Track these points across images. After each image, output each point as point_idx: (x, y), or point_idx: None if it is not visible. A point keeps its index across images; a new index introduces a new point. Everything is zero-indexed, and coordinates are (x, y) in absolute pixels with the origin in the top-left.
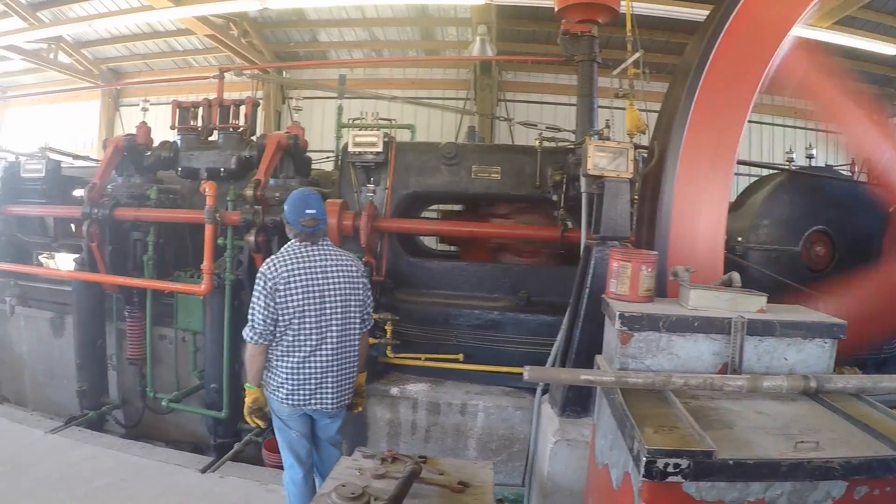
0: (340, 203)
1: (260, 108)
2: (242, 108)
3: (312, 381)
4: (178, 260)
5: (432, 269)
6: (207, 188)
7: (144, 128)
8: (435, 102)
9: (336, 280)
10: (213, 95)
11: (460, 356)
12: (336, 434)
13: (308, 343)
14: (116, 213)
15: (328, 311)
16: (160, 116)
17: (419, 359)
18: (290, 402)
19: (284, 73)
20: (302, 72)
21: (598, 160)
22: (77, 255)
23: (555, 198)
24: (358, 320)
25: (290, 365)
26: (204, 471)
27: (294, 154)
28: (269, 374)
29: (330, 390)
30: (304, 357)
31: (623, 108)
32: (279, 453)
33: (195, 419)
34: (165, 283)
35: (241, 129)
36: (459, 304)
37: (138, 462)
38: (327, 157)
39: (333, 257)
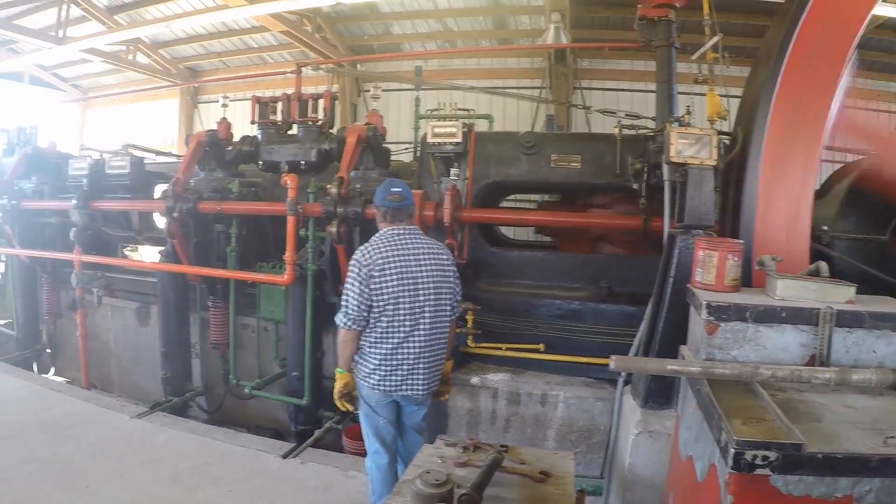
0: (421, 194)
1: (336, 102)
2: (321, 102)
3: (404, 368)
4: (260, 251)
5: (513, 259)
6: (289, 181)
7: (225, 123)
8: (511, 92)
9: (428, 267)
10: (289, 90)
11: (541, 346)
12: (421, 421)
13: (402, 329)
14: (200, 207)
15: (421, 298)
16: (238, 112)
17: (500, 348)
18: (381, 388)
19: (359, 66)
20: (376, 65)
21: (680, 147)
22: (161, 248)
23: (635, 186)
24: (448, 307)
25: (383, 351)
26: (285, 456)
27: (374, 145)
28: (361, 361)
29: (421, 377)
30: (398, 343)
31: (702, 94)
32: (359, 440)
33: (276, 406)
34: (249, 274)
35: (321, 122)
36: (540, 293)
37: (221, 447)
38: (405, 149)
39: (425, 245)
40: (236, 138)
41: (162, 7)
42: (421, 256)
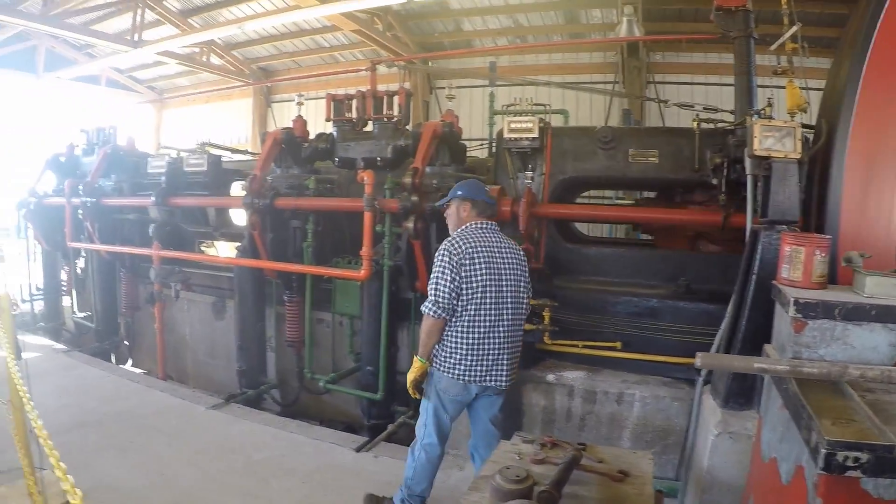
0: (498, 189)
1: (410, 99)
2: (395, 99)
3: (490, 357)
4: (336, 247)
5: (590, 256)
6: (366, 177)
7: (301, 121)
8: (586, 86)
9: (510, 261)
10: (361, 89)
11: (618, 344)
12: (499, 412)
13: (488, 319)
14: (277, 203)
15: (504, 289)
16: (311, 111)
17: (576, 346)
18: (466, 377)
19: (430, 63)
20: (448, 62)
21: (764, 140)
22: (237, 244)
23: (714, 181)
24: (525, 301)
25: (470, 341)
26: (358, 450)
27: (449, 142)
28: (443, 351)
29: (505, 367)
30: (484, 333)
31: (781, 87)
32: None
33: (349, 400)
34: (326, 269)
35: (396, 118)
36: (617, 290)
37: (295, 439)
38: (480, 145)
39: (505, 240)
40: (311, 136)
41: (234, 9)
42: (503, 250)
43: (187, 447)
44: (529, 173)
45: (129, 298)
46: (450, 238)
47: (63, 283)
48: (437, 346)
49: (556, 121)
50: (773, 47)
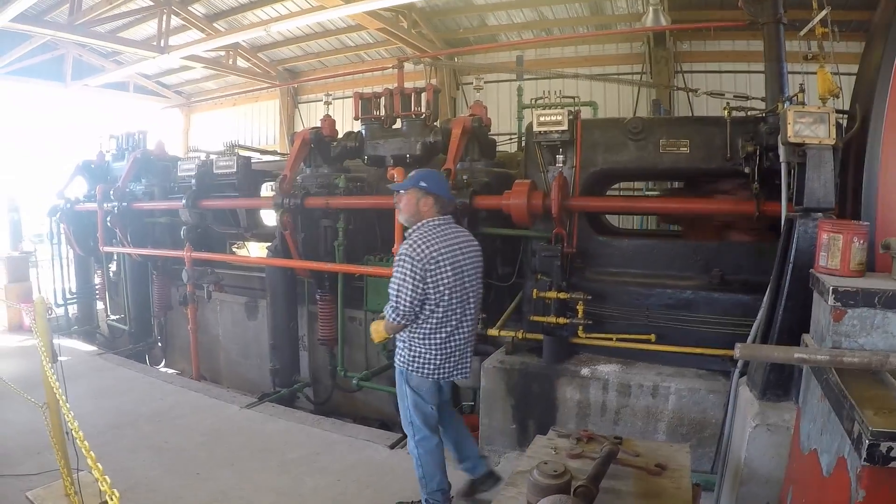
0: (529, 183)
1: (438, 95)
2: (423, 96)
3: (457, 353)
4: (367, 245)
5: (623, 248)
6: (396, 174)
7: (329, 120)
8: (615, 77)
9: (470, 255)
10: (388, 87)
11: (652, 337)
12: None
13: (454, 317)
14: (307, 202)
15: (467, 286)
16: (338, 111)
17: (610, 339)
18: (436, 375)
19: (456, 59)
20: (473, 57)
21: (798, 127)
22: (267, 244)
23: (747, 170)
24: (482, 290)
25: (438, 340)
26: (392, 447)
27: (479, 136)
28: (413, 352)
29: (468, 359)
30: (451, 331)
31: (812, 73)
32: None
33: (382, 397)
34: (358, 268)
35: (424, 115)
36: (650, 282)
37: (329, 437)
38: (508, 139)
39: (462, 233)
40: (339, 135)
41: (259, 12)
42: (463, 245)
43: (222, 447)
44: (560, 158)
45: (162, 300)
46: (410, 242)
47: (96, 286)
48: (403, 348)
49: (585, 113)
50: (802, 32)
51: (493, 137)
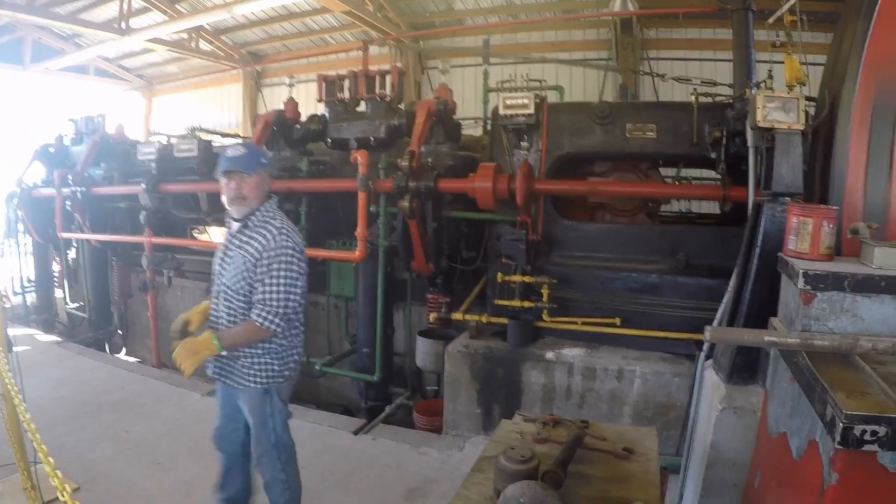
0: (494, 167)
1: (403, 78)
2: (388, 78)
3: (300, 347)
4: (330, 229)
5: (588, 232)
6: (359, 157)
7: (292, 103)
8: (582, 61)
9: None
10: (353, 69)
11: (617, 320)
12: None
13: (304, 311)
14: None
15: None
16: (301, 94)
17: (575, 322)
18: (295, 377)
19: (421, 43)
20: (439, 40)
21: (767, 111)
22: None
23: (713, 155)
24: None
25: (300, 340)
26: (356, 433)
27: (444, 119)
28: (283, 361)
29: None
30: (302, 324)
31: (779, 62)
32: (431, 416)
33: (346, 383)
34: (320, 251)
35: (389, 98)
36: (616, 266)
37: (292, 423)
38: (474, 123)
39: None
40: (302, 119)
41: None
42: None
43: (184, 436)
44: (525, 145)
45: (122, 287)
46: (287, 232)
47: (55, 274)
48: (268, 361)
49: (551, 97)
50: (771, 20)
51: (459, 121)
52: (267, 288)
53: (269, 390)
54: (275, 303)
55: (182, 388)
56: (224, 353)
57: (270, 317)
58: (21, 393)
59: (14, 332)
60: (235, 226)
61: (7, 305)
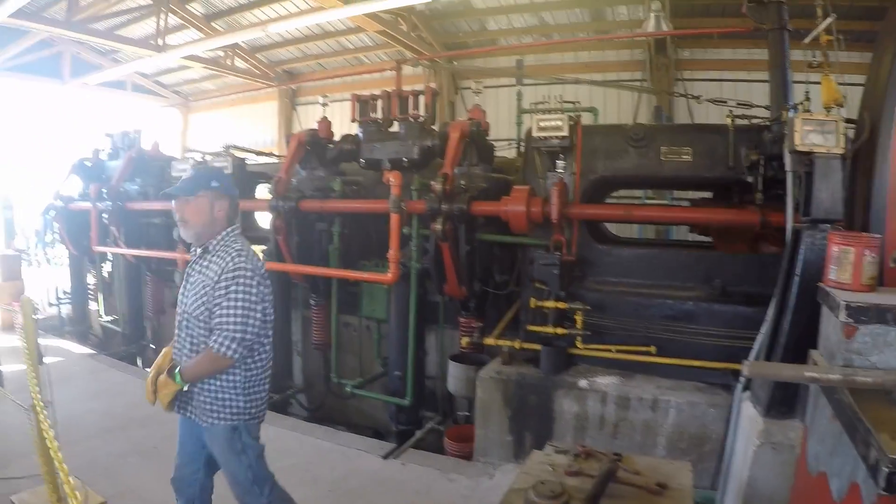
0: (528, 189)
1: (437, 99)
2: (421, 98)
3: (268, 383)
4: (363, 250)
5: (623, 257)
6: (392, 178)
7: (326, 122)
8: (616, 82)
9: None
10: (386, 89)
11: (652, 348)
12: None
13: (270, 345)
14: (302, 206)
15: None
16: (336, 113)
17: (609, 350)
18: (261, 414)
19: (455, 62)
20: (472, 61)
21: (805, 135)
22: (262, 247)
23: (750, 179)
24: None
25: (267, 375)
26: (386, 457)
27: (477, 141)
28: (249, 397)
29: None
30: (269, 360)
31: (816, 83)
32: (461, 442)
33: (376, 405)
34: (353, 273)
35: (422, 118)
36: (651, 293)
37: (321, 445)
38: (507, 145)
39: None
40: (336, 138)
41: (258, 12)
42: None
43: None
44: (560, 164)
45: (155, 302)
46: (246, 255)
47: (90, 287)
48: (233, 395)
49: (585, 119)
50: (807, 40)
51: (492, 142)
52: (224, 311)
53: (237, 427)
54: (231, 327)
55: None
56: (186, 387)
57: (227, 342)
58: (50, 405)
59: (48, 342)
60: (198, 251)
61: (41, 316)
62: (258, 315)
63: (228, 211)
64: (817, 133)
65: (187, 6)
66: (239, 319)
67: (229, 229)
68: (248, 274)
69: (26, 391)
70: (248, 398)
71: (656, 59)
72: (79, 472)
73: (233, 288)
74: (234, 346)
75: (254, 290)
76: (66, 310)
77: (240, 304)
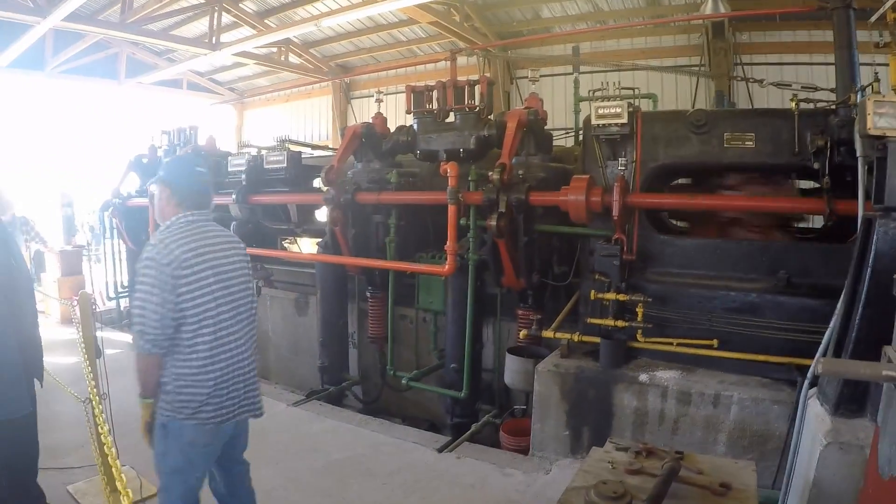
0: (587, 179)
1: (492, 88)
2: (477, 88)
3: (242, 384)
4: (419, 241)
5: (685, 247)
6: (449, 169)
7: (381, 117)
8: (675, 68)
9: (234, 259)
10: (441, 80)
11: (714, 342)
12: (245, 443)
13: (230, 340)
14: (358, 198)
15: (238, 297)
16: (390, 106)
17: (670, 343)
18: (218, 418)
19: (509, 51)
20: (527, 50)
21: (878, 119)
22: (318, 240)
23: (816, 165)
24: (255, 299)
25: (216, 373)
26: (441, 450)
27: (535, 130)
28: (180, 395)
29: (256, 388)
30: (230, 358)
31: (884, 64)
32: (518, 436)
33: (432, 398)
34: (409, 265)
35: (478, 108)
36: (713, 284)
37: (376, 438)
38: (564, 134)
39: (222, 232)
40: (391, 131)
41: (310, 7)
42: (224, 246)
43: (267, 445)
44: (623, 161)
45: None
46: (155, 243)
47: None
48: (168, 392)
49: (644, 106)
50: (873, 18)
51: (550, 131)
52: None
53: (166, 425)
54: (136, 320)
55: (267, 397)
56: (150, 399)
57: (135, 338)
58: (106, 397)
59: (106, 335)
60: None
61: (100, 309)
62: (154, 304)
63: (173, 200)
64: (890, 116)
65: (240, 4)
66: (137, 311)
67: (174, 218)
68: (148, 262)
69: (83, 383)
70: (178, 393)
71: (714, 43)
72: (133, 463)
73: (137, 280)
74: (139, 341)
75: (151, 277)
76: (124, 303)
77: (138, 295)
